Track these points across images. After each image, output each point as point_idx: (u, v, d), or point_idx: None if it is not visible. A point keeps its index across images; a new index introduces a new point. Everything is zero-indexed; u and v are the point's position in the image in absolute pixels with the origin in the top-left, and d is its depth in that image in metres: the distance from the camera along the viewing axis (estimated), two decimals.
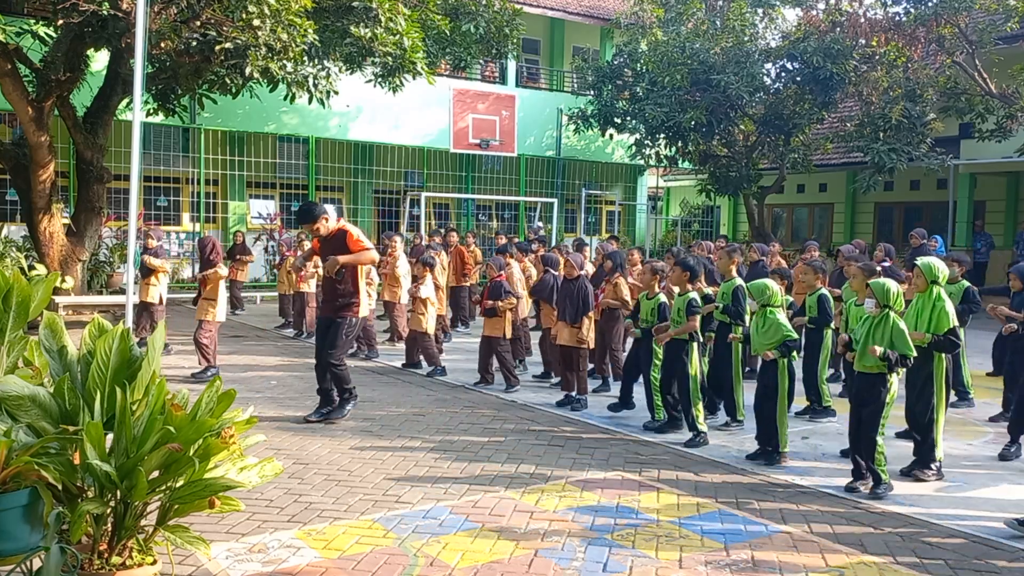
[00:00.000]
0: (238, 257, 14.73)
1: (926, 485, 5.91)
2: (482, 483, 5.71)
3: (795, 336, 6.42)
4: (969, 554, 4.67)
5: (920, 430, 6.12)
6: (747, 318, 7.45)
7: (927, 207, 21.67)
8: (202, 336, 9.04)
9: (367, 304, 7.47)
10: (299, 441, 6.71)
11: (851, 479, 5.78)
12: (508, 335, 9.16)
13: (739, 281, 7.66)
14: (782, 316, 6.48)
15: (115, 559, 3.62)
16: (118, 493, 3.53)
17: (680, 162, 21.12)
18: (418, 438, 6.87)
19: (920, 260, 6.35)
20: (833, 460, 6.52)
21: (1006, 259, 17.31)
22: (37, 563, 3.26)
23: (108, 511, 3.59)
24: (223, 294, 9.23)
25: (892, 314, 5.66)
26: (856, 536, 4.89)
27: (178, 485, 3.64)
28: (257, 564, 4.28)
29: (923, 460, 6.07)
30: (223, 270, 9.17)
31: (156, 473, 3.60)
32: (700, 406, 6.99)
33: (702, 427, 6.95)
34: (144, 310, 10.36)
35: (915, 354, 5.66)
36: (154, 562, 3.73)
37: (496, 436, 7.02)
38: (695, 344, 7.07)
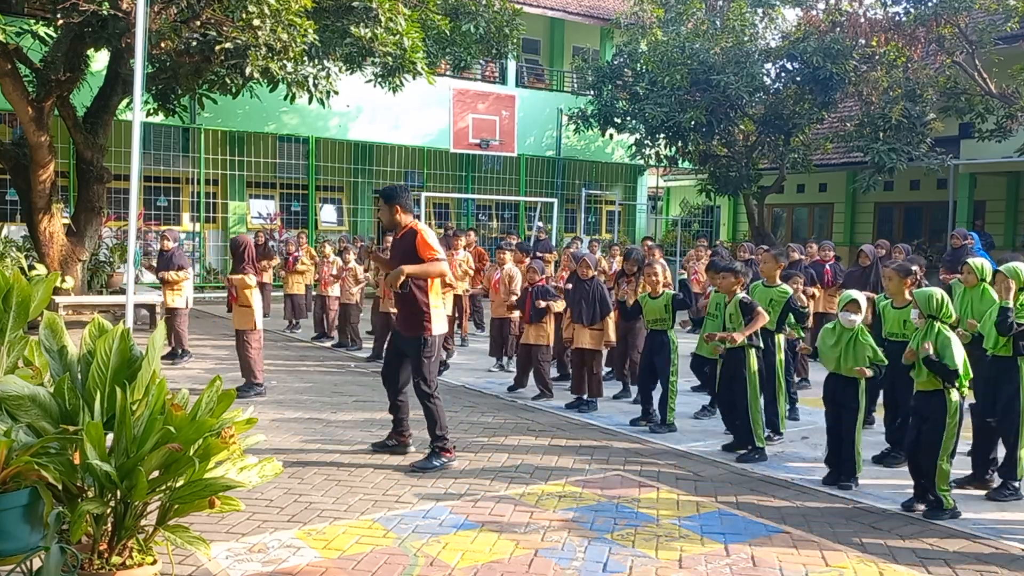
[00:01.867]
0: (260, 260, 14.53)
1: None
2: (482, 483, 5.71)
3: (885, 362, 5.97)
4: (969, 554, 4.67)
5: (1006, 445, 5.81)
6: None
7: (927, 207, 21.68)
8: (249, 350, 8.34)
9: (443, 319, 6.23)
10: (299, 441, 6.71)
11: (912, 499, 5.44)
12: (551, 342, 8.72)
13: (789, 290, 7.29)
14: (870, 338, 5.99)
15: (115, 559, 3.62)
16: (118, 493, 3.53)
17: (680, 162, 21.13)
18: (418, 438, 6.86)
19: (1006, 267, 5.92)
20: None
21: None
22: (37, 563, 3.25)
23: (108, 511, 3.59)
24: (258, 300, 8.53)
25: (938, 324, 5.33)
26: (856, 536, 4.89)
27: (178, 485, 3.64)
28: (257, 564, 4.28)
29: (1002, 477, 5.81)
30: (250, 279, 8.36)
31: (156, 473, 3.60)
32: (761, 420, 6.59)
33: (761, 443, 6.51)
34: (170, 316, 10.22)
35: (959, 369, 5.23)
36: (154, 562, 3.73)
37: (496, 436, 7.02)
38: (754, 350, 6.64)
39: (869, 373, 5.81)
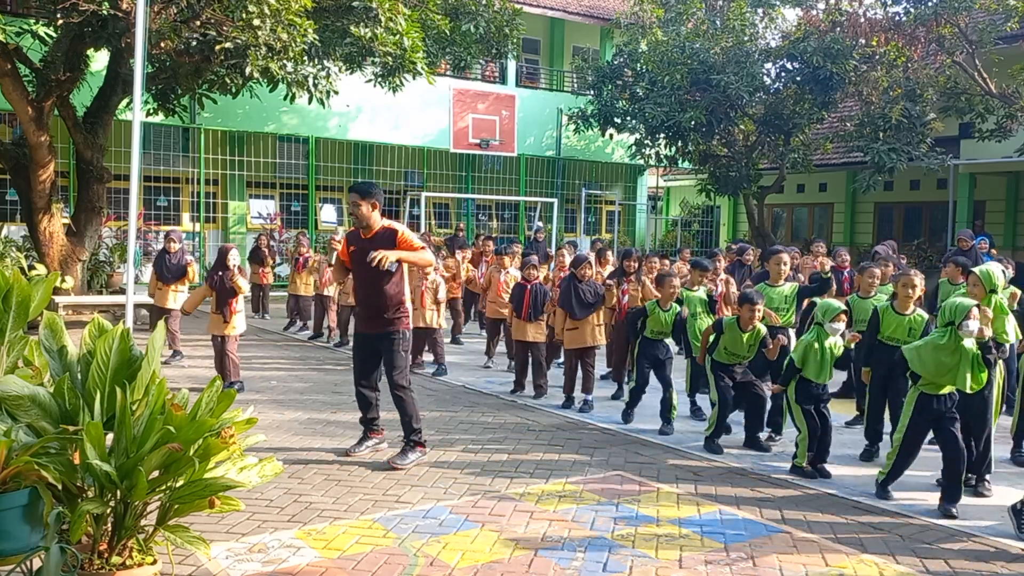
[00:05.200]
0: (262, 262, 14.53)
1: (925, 485, 5.90)
2: (482, 483, 5.71)
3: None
4: (969, 554, 4.67)
5: (976, 443, 5.81)
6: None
7: (927, 207, 21.68)
8: (230, 351, 8.46)
9: (411, 314, 6.35)
10: (299, 441, 6.71)
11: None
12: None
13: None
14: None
15: (115, 559, 3.62)
16: (118, 493, 3.53)
17: (680, 162, 21.14)
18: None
19: (977, 268, 5.98)
20: (832, 460, 6.50)
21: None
22: (37, 563, 3.26)
23: (108, 511, 3.59)
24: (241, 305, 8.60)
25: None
26: (856, 536, 4.89)
27: (178, 485, 3.64)
28: (257, 564, 4.28)
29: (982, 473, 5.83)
30: (245, 286, 8.55)
31: (156, 473, 3.60)
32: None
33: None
34: (163, 316, 10.19)
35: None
36: (154, 562, 3.73)
37: (496, 436, 7.02)
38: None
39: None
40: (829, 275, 7.57)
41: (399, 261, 5.96)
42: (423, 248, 6.11)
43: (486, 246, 12.89)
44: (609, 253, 10.33)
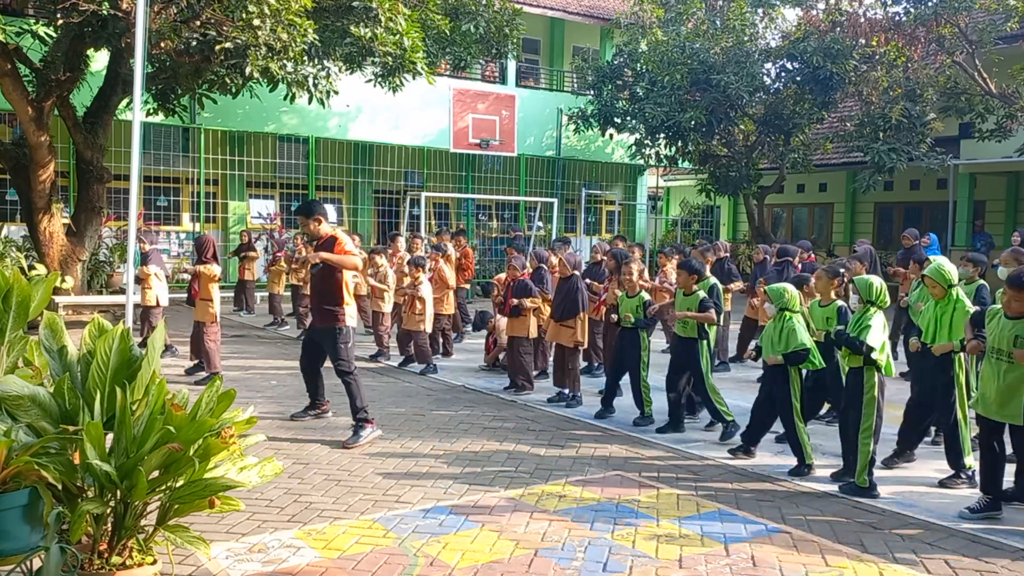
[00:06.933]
0: (244, 255, 14.64)
1: (925, 484, 5.90)
2: (482, 483, 5.71)
3: (807, 346, 6.20)
4: (969, 554, 4.67)
5: (944, 433, 6.03)
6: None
7: (927, 207, 21.68)
8: (207, 341, 8.89)
9: (353, 312, 7.08)
10: (299, 441, 6.71)
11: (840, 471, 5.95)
12: (532, 335, 8.90)
13: (713, 280, 7.88)
14: (799, 323, 6.26)
15: (115, 559, 3.62)
16: (118, 493, 3.53)
17: (680, 162, 21.13)
18: (418, 438, 6.87)
19: (930, 267, 6.10)
20: (832, 459, 6.50)
21: None
22: (37, 563, 3.26)
23: (108, 511, 3.59)
24: (217, 293, 9.06)
25: (872, 309, 5.67)
26: (856, 536, 4.89)
27: (178, 485, 3.64)
28: (257, 564, 4.28)
29: (953, 468, 5.91)
30: (216, 268, 9.01)
31: (156, 473, 3.60)
32: (721, 398, 7.15)
33: (729, 416, 7.05)
34: (143, 313, 10.35)
35: (876, 349, 5.56)
36: (154, 562, 3.73)
37: (496, 436, 7.02)
38: (705, 342, 7.20)
39: (779, 360, 6.17)
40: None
41: (332, 264, 6.76)
42: (352, 254, 6.91)
43: (460, 240, 13.00)
44: (569, 249, 10.59)
